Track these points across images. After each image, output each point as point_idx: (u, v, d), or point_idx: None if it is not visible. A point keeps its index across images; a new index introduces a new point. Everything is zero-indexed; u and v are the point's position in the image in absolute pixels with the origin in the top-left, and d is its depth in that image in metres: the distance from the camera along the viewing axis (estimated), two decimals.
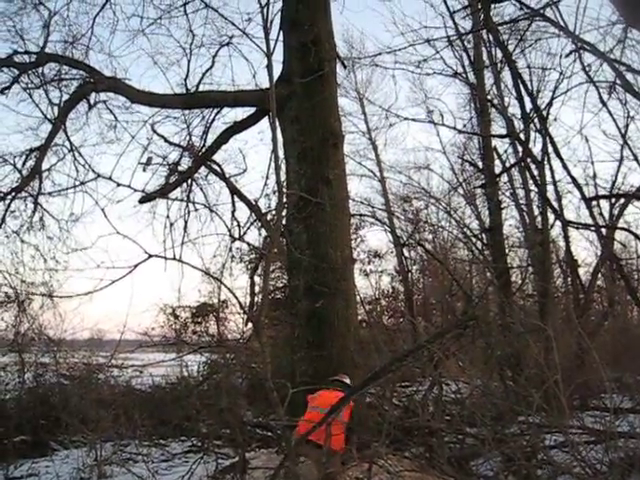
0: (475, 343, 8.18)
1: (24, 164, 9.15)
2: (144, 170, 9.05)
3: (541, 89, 10.53)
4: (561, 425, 4.72)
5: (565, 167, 8.11)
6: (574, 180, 8.27)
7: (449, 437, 6.19)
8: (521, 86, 7.94)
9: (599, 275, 11.00)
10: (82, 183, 9.01)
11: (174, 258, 4.05)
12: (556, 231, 11.24)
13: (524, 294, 12.54)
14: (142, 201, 8.85)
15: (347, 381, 5.57)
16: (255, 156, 17.52)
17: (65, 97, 9.05)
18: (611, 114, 7.96)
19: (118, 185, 4.14)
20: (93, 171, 8.65)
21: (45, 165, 9.25)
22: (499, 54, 10.76)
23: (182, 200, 9.80)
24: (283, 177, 7.45)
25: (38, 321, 9.77)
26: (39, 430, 7.69)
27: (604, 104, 7.26)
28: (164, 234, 9.86)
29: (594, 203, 9.36)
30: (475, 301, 9.58)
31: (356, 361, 7.06)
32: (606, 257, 9.90)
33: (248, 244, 10.95)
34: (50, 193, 9.42)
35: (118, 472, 5.94)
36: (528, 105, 8.35)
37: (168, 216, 9.92)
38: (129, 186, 4.19)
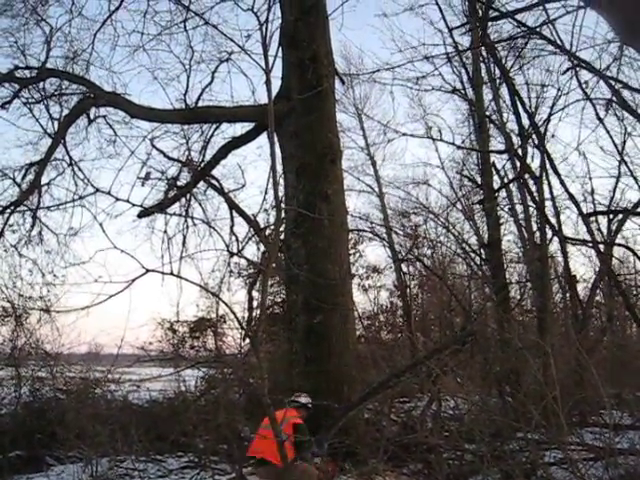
0: (474, 359, 8.17)
1: (23, 178, 9.22)
2: (143, 185, 9.09)
3: (539, 105, 10.63)
4: (560, 442, 4.70)
5: (562, 183, 8.16)
6: (571, 196, 8.31)
7: (447, 453, 6.15)
8: (518, 103, 8.02)
9: (597, 291, 11.02)
10: (81, 197, 9.06)
11: (171, 273, 4.04)
12: (554, 246, 11.27)
13: (523, 310, 12.53)
14: (141, 216, 8.88)
15: (303, 400, 5.57)
16: (254, 171, 17.68)
17: (65, 112, 9.16)
18: (608, 131, 8.03)
19: (117, 200, 4.15)
20: (92, 185, 8.70)
21: (44, 179, 9.33)
22: (497, 71, 10.87)
23: (180, 215, 9.84)
24: (282, 192, 7.48)
25: (35, 335, 9.75)
26: (35, 445, 7.61)
27: (601, 121, 7.33)
28: (162, 249, 9.89)
29: (592, 219, 9.41)
30: (474, 317, 9.58)
31: (354, 376, 7.03)
32: (604, 273, 9.91)
33: (246, 259, 10.96)
34: (49, 207, 9.48)
35: None
36: (526, 121, 8.43)
37: (166, 231, 9.97)
38: (127, 201, 4.20)
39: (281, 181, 7.53)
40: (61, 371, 9.75)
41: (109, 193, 4.19)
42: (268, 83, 3.81)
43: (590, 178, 10.61)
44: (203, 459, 6.58)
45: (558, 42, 6.33)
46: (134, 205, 4.53)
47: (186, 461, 7.63)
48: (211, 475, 5.35)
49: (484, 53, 10.57)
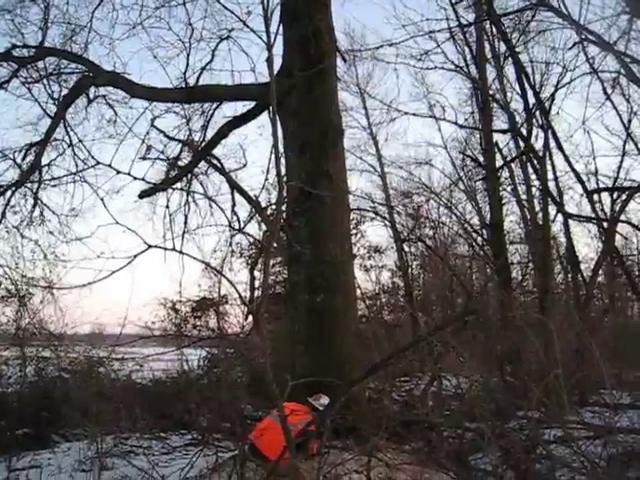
0: (475, 338, 8.20)
1: (24, 159, 9.16)
2: (144, 158, 9.07)
3: (544, 83, 10.50)
4: (561, 420, 4.72)
5: (567, 160, 8.10)
6: (576, 173, 8.26)
7: (448, 431, 6.20)
8: (524, 78, 7.92)
9: (600, 271, 10.99)
10: (82, 170, 9.01)
11: (174, 249, 4.02)
12: (557, 227, 11.22)
13: (524, 290, 12.53)
14: (142, 196, 8.85)
15: (321, 402, 5.61)
16: (255, 151, 17.57)
17: (64, 92, 9.04)
18: (615, 107, 7.95)
19: (118, 172, 4.10)
20: (93, 158, 8.62)
21: (45, 160, 9.27)
22: (502, 48, 10.74)
23: (182, 189, 9.80)
24: (283, 171, 7.44)
25: (39, 316, 9.81)
26: (41, 423, 7.70)
27: (608, 96, 7.25)
28: (164, 225, 9.89)
29: (596, 197, 9.35)
30: (475, 296, 9.59)
31: (356, 355, 7.06)
32: (608, 251, 9.87)
33: (249, 235, 10.94)
34: (50, 182, 9.42)
35: (119, 464, 5.96)
36: (531, 98, 8.35)
37: (168, 206, 9.95)
38: (129, 174, 4.17)
39: (282, 160, 7.48)
40: (65, 351, 9.83)
41: (110, 166, 4.16)
42: (270, 59, 3.74)
43: (594, 157, 10.51)
44: (206, 437, 6.64)
45: (566, 15, 6.24)
46: (135, 178, 4.50)
47: (189, 439, 7.71)
48: (214, 452, 5.39)
49: (488, 29, 10.43)
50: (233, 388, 7.39)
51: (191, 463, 5.35)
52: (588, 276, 10.30)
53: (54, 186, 9.52)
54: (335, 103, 7.81)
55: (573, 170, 8.16)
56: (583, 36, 6.20)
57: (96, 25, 9.22)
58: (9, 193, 9.00)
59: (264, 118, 8.92)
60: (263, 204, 10.00)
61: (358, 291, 11.15)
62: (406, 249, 17.48)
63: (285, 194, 5.58)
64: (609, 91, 7.23)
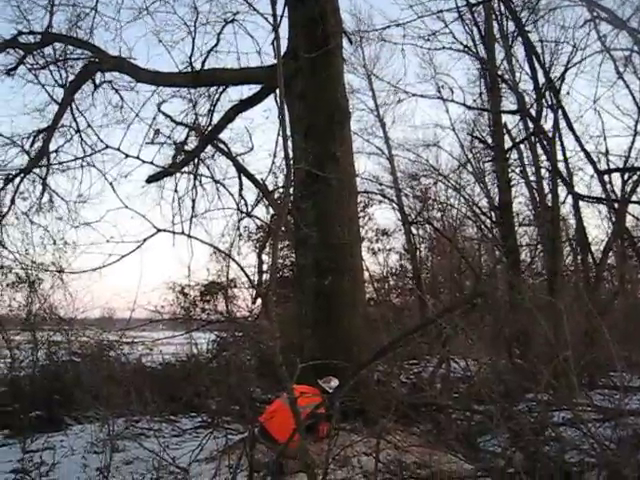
0: (483, 320, 8.18)
1: (32, 145, 9.18)
2: (152, 142, 9.06)
3: (553, 63, 10.34)
4: (570, 402, 4.72)
5: (578, 140, 7.98)
6: (587, 153, 8.15)
7: (457, 414, 6.22)
8: (533, 57, 7.79)
9: (610, 252, 10.91)
10: (91, 154, 9.01)
11: (183, 233, 4.03)
12: (566, 209, 11.14)
13: (533, 272, 12.48)
14: (149, 181, 8.86)
15: (331, 385, 5.64)
16: (261, 135, 17.49)
17: (71, 78, 9.01)
18: (627, 86, 7.82)
19: (127, 156, 4.09)
20: (102, 141, 8.59)
21: (52, 146, 9.28)
22: (510, 27, 10.57)
23: (190, 173, 9.80)
24: (291, 153, 7.40)
25: (49, 301, 9.90)
26: (53, 406, 7.82)
27: (620, 75, 7.13)
28: (172, 209, 9.91)
29: (606, 178, 9.26)
30: (484, 279, 9.56)
31: (363, 338, 7.07)
32: (618, 233, 9.79)
33: (257, 218, 10.92)
34: (59, 166, 9.45)
35: (130, 446, 6.05)
36: (540, 79, 8.23)
37: (176, 190, 9.96)
38: (138, 157, 4.15)
39: (289, 143, 7.44)
40: (76, 335, 9.94)
41: (119, 149, 4.14)
42: (277, 40, 3.68)
43: (605, 137, 10.37)
44: (216, 419, 6.71)
45: None
46: (144, 162, 4.47)
47: (199, 421, 7.80)
48: (224, 435, 5.44)
49: (497, 8, 10.26)
50: (242, 371, 7.44)
51: (201, 445, 5.40)
52: (598, 258, 10.24)
53: (63, 171, 9.57)
54: (341, 85, 7.73)
55: (584, 150, 8.06)
56: (595, 13, 6.08)
57: (101, 10, 9.16)
58: (18, 180, 9.04)
59: (270, 102, 8.90)
60: (270, 187, 9.96)
61: (366, 274, 11.17)
62: (414, 232, 17.47)
63: (293, 176, 5.55)
64: (621, 70, 7.11)
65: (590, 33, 7.29)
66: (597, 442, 4.05)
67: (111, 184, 4.21)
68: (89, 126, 9.29)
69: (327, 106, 7.38)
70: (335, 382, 5.64)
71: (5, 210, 9.10)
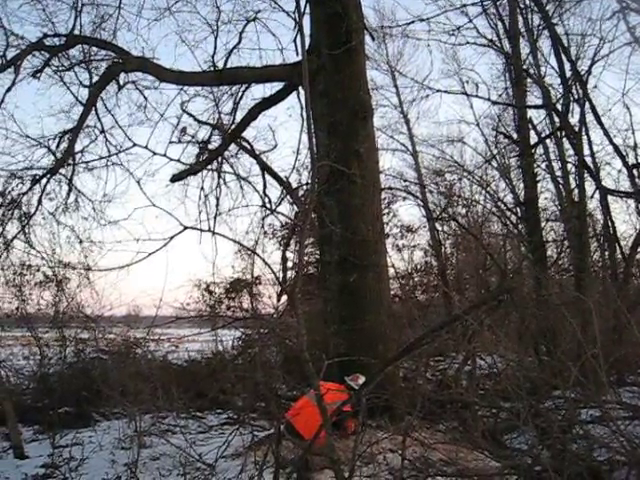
0: (510, 317, 8.08)
1: (58, 146, 9.30)
2: (179, 140, 9.13)
3: (580, 57, 10.14)
4: (598, 400, 4.64)
5: (607, 134, 7.83)
6: (615, 147, 7.99)
7: (483, 411, 6.17)
8: (560, 50, 7.65)
9: (639, 248, 10.67)
10: (118, 152, 9.11)
11: (209, 230, 4.08)
12: (593, 204, 10.92)
13: (560, 268, 12.28)
14: (173, 180, 8.94)
15: (358, 382, 5.63)
16: (284, 133, 17.46)
17: (95, 79, 9.12)
18: None
19: (154, 154, 4.16)
20: (130, 139, 8.69)
21: (78, 147, 9.40)
22: (535, 21, 10.40)
23: (214, 170, 9.84)
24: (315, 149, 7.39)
25: (76, 299, 10.06)
26: (81, 402, 7.96)
27: None
28: (198, 206, 9.96)
29: (635, 172, 9.07)
30: (510, 275, 9.44)
31: (388, 335, 7.05)
32: None
33: (282, 215, 10.94)
34: (86, 165, 9.57)
35: (157, 442, 6.13)
36: (567, 71, 8.08)
37: (202, 187, 10.02)
38: (165, 155, 4.22)
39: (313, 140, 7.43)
40: (103, 332, 10.09)
41: (146, 147, 4.21)
42: (301, 36, 3.69)
43: (633, 131, 10.14)
44: (242, 416, 6.75)
45: None
46: (171, 159, 4.54)
47: (225, 418, 7.86)
48: (250, 431, 5.48)
49: (521, 1, 10.11)
50: (267, 368, 7.47)
51: (227, 442, 5.43)
52: (627, 253, 10.03)
53: (91, 169, 9.68)
54: (364, 82, 7.71)
55: (612, 144, 7.90)
56: (624, 4, 5.95)
57: (123, 12, 9.27)
58: (44, 180, 9.19)
59: (293, 99, 8.89)
60: (294, 185, 9.97)
61: (391, 270, 11.11)
62: (439, 228, 17.31)
63: (318, 172, 5.56)
64: None
65: (618, 25, 7.14)
66: (626, 440, 3.98)
67: (138, 182, 4.31)
68: (117, 124, 9.36)
69: (350, 103, 7.37)
70: (362, 380, 5.64)
71: (33, 211, 9.26)
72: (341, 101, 7.36)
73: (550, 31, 7.92)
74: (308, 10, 7.72)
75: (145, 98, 9.68)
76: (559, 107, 9.61)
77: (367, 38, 8.21)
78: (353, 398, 4.98)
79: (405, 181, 16.22)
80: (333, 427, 4.21)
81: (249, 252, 10.09)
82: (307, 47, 7.66)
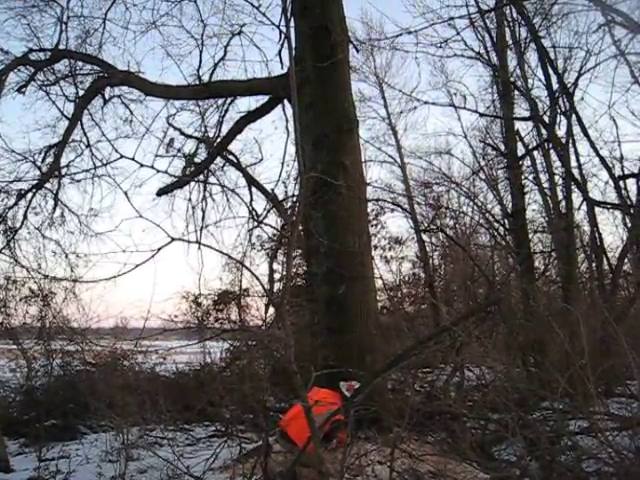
0: (497, 328, 8.11)
1: (43, 161, 9.28)
2: (166, 151, 9.12)
3: (566, 69, 10.27)
4: (587, 411, 4.66)
5: (593, 146, 7.92)
6: (602, 159, 8.09)
7: (471, 422, 6.16)
8: (547, 63, 7.75)
9: (626, 259, 10.78)
10: (105, 164, 9.10)
11: (197, 241, 4.07)
12: (580, 215, 11.02)
13: (547, 280, 12.35)
14: (160, 193, 8.94)
15: (351, 391, 5.58)
16: (270, 146, 17.41)
17: (80, 93, 9.11)
18: None
19: (141, 166, 4.16)
20: (117, 151, 8.66)
21: (64, 161, 9.39)
22: (522, 33, 10.54)
23: (201, 182, 9.83)
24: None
25: (62, 313, 9.98)
26: (68, 415, 7.89)
27: (636, 80, 7.07)
28: (185, 219, 9.96)
29: (621, 184, 9.17)
30: (497, 287, 9.49)
31: (376, 347, 7.04)
32: (634, 238, 9.67)
33: (270, 226, 10.94)
34: (71, 178, 9.52)
35: (144, 455, 6.06)
36: (554, 83, 8.18)
37: (190, 199, 10.00)
38: (152, 167, 4.22)
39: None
40: (90, 345, 10.00)
41: (133, 159, 4.21)
42: (289, 48, 3.71)
43: (619, 143, 10.27)
44: (230, 428, 6.71)
45: None
46: (159, 171, 4.56)
47: (213, 430, 7.82)
48: (238, 443, 5.45)
49: (509, 13, 10.24)
50: (256, 380, 7.42)
51: (215, 454, 5.39)
52: (613, 264, 10.12)
53: (79, 181, 9.64)
54: (349, 94, 7.74)
55: (599, 156, 8.00)
56: (609, 17, 6.04)
57: (109, 26, 9.31)
58: (30, 195, 9.14)
59: (278, 113, 8.92)
60: (280, 197, 9.98)
61: (379, 282, 11.11)
62: (427, 239, 17.39)
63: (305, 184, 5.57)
64: (636, 74, 7.04)
65: (604, 38, 7.25)
66: (615, 451, 3.99)
67: (125, 193, 4.28)
68: (104, 137, 9.36)
69: (335, 115, 7.40)
70: (356, 385, 5.61)
71: (18, 225, 9.19)
72: (326, 114, 7.39)
73: (537, 44, 8.02)
74: (292, 23, 7.77)
75: (131, 112, 9.71)
76: (546, 119, 9.72)
77: (353, 50, 8.27)
78: (342, 409, 4.96)
79: (393, 193, 16.30)
80: (326, 438, 4.19)
81: (237, 264, 10.05)
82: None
